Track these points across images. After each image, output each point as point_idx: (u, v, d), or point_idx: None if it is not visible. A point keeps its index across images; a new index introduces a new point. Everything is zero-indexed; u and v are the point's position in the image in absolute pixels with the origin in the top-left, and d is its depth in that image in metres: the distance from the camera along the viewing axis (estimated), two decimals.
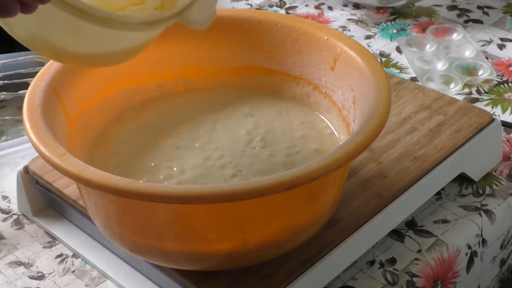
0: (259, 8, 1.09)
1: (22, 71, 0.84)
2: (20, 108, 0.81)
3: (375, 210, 0.64)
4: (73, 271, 0.66)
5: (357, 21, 1.05)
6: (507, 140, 0.80)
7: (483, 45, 0.98)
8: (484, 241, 0.71)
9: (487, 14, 1.06)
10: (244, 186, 0.51)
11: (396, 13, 1.06)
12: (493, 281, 0.76)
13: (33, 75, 0.64)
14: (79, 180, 0.52)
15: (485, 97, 0.88)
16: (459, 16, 1.06)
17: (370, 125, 0.55)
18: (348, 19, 1.05)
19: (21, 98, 0.62)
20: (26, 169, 0.70)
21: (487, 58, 0.95)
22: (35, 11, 0.46)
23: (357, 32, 1.02)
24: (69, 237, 0.69)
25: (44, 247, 0.69)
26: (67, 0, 0.45)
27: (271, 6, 1.10)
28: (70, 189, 0.66)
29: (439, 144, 0.70)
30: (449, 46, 0.97)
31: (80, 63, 0.58)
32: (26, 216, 0.72)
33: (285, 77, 0.70)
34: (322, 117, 0.68)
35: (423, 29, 1.02)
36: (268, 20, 0.69)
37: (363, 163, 0.68)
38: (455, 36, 0.99)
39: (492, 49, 0.97)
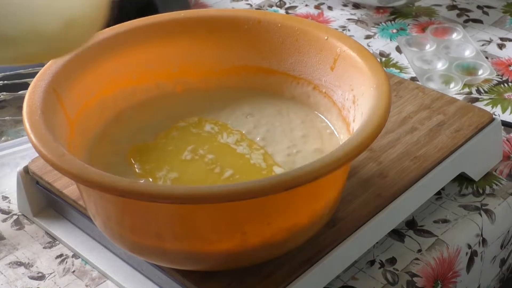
0: (259, 8, 1.09)
1: (22, 71, 0.83)
2: (20, 108, 0.81)
3: (375, 210, 0.64)
4: (73, 271, 0.66)
5: (357, 21, 1.05)
6: (507, 140, 0.80)
7: (483, 45, 0.98)
8: (484, 241, 0.71)
9: (487, 13, 1.06)
10: (244, 186, 0.51)
11: (396, 13, 1.06)
12: (493, 280, 0.76)
13: (33, 75, 0.64)
14: (79, 180, 0.52)
15: (485, 97, 0.88)
16: (459, 15, 1.06)
17: (370, 125, 0.55)
18: (348, 19, 1.05)
19: (21, 98, 0.62)
20: (26, 170, 0.70)
21: (487, 57, 0.95)
22: None
23: (357, 32, 1.02)
24: (69, 237, 0.69)
25: (44, 248, 0.69)
26: None
27: (271, 6, 1.10)
28: (70, 189, 0.66)
29: (439, 144, 0.70)
30: (449, 45, 0.97)
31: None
32: (26, 217, 0.72)
33: (285, 77, 0.70)
34: (322, 117, 0.68)
35: (423, 29, 1.02)
36: (268, 20, 0.69)
37: (363, 163, 0.68)
38: (455, 35, 0.99)
39: (492, 48, 0.97)
